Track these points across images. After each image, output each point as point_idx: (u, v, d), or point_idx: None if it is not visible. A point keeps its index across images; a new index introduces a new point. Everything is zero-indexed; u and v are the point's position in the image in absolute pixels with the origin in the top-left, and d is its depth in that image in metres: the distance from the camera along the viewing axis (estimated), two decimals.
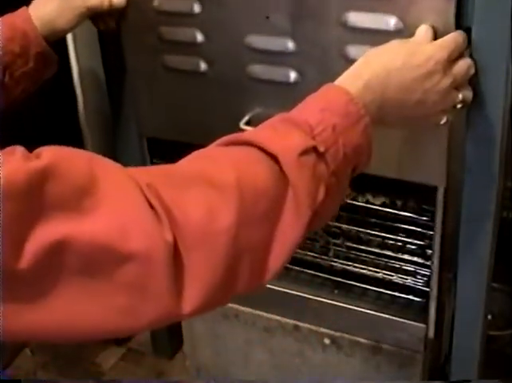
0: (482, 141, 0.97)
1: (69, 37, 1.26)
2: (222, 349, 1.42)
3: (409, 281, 1.20)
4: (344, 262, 1.26)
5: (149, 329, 0.87)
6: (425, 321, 1.19)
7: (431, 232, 1.12)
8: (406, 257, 1.20)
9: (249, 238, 0.66)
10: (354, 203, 1.20)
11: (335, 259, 1.26)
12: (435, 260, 1.13)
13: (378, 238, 1.22)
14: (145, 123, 1.22)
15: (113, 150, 1.33)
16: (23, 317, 0.57)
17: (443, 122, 0.86)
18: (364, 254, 1.24)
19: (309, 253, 1.28)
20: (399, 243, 1.20)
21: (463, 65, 0.85)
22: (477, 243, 1.06)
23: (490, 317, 1.23)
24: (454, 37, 0.86)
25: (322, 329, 1.29)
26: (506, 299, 1.47)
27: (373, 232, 1.21)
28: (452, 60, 0.84)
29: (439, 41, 0.85)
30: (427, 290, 1.17)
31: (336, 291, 1.27)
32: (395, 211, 1.17)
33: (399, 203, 1.18)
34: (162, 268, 0.61)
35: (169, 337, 1.58)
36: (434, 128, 0.96)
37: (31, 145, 0.60)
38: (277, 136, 0.72)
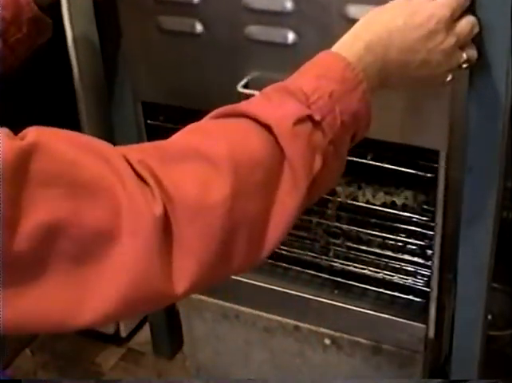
0: (483, 141, 0.97)
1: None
2: (222, 349, 1.42)
3: (409, 281, 1.20)
4: (345, 262, 1.26)
5: (143, 313, 0.82)
6: (425, 321, 1.19)
7: (432, 232, 1.12)
8: (406, 257, 1.20)
9: (245, 210, 0.65)
10: (354, 203, 1.20)
11: (335, 259, 1.26)
12: (436, 260, 1.13)
13: (378, 239, 1.22)
14: (140, 87, 1.20)
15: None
16: (19, 302, 0.56)
17: (448, 79, 0.83)
18: (364, 255, 1.24)
19: (309, 253, 1.28)
20: (400, 243, 1.20)
21: (467, 23, 0.82)
22: (477, 244, 1.06)
23: (490, 317, 1.23)
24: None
25: (322, 330, 1.29)
26: (506, 299, 1.47)
27: (373, 232, 1.22)
28: (455, 18, 0.81)
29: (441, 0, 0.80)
30: (428, 290, 1.17)
31: (336, 291, 1.27)
32: (396, 212, 1.17)
33: (398, 202, 1.18)
34: (151, 245, 0.59)
35: (169, 338, 1.58)
36: (436, 90, 0.94)
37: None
38: (270, 105, 0.70)
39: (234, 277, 1.33)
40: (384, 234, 1.21)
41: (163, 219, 0.59)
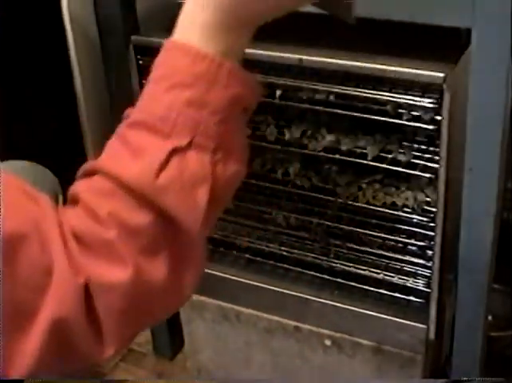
0: (483, 141, 0.97)
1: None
2: (222, 349, 1.42)
3: (410, 282, 1.20)
4: (345, 263, 1.26)
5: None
6: (426, 322, 1.19)
7: (432, 233, 1.12)
8: (406, 258, 1.20)
9: (149, 283, 0.62)
10: (354, 203, 1.20)
11: (336, 260, 1.26)
12: (436, 261, 1.13)
13: (379, 240, 1.22)
14: None
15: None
16: None
17: None
18: (364, 255, 1.24)
19: (310, 254, 1.28)
20: (400, 244, 1.20)
21: None
22: (477, 244, 1.06)
23: (490, 318, 1.22)
24: None
25: (323, 330, 1.29)
26: (507, 300, 1.47)
27: (374, 233, 1.21)
28: None
29: None
30: (428, 290, 1.17)
31: (336, 292, 1.27)
32: (396, 212, 1.17)
33: (399, 202, 1.17)
34: (75, 310, 0.59)
35: (170, 338, 1.58)
36: None
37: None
38: (128, 157, 0.61)
39: (233, 278, 1.34)
40: (385, 235, 1.21)
41: (83, 291, 0.59)
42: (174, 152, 0.60)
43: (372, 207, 1.19)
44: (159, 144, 0.60)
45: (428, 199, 1.15)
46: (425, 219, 1.14)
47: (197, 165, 0.61)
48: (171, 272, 0.62)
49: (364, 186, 1.21)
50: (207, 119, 0.61)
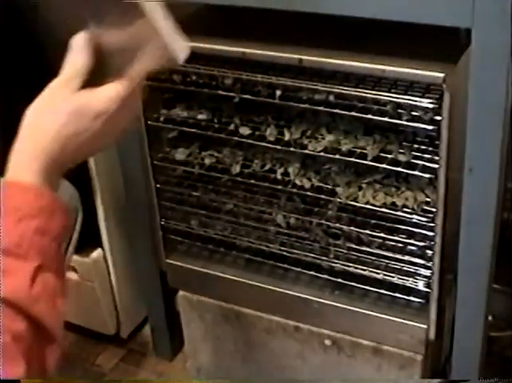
0: (483, 141, 0.97)
1: None
2: (222, 350, 1.42)
3: (410, 282, 1.20)
4: (345, 263, 1.25)
5: None
6: (426, 322, 1.19)
7: (432, 233, 1.12)
8: (406, 258, 1.20)
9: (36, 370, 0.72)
10: (354, 203, 1.20)
11: (335, 260, 1.26)
12: (436, 261, 1.13)
13: (378, 240, 1.22)
14: None
15: None
16: None
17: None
18: (364, 256, 1.24)
19: (310, 254, 1.28)
20: (400, 244, 1.20)
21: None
22: (477, 244, 1.06)
23: (490, 318, 1.22)
24: (118, 90, 0.77)
25: (323, 331, 1.29)
26: (507, 300, 1.47)
27: (374, 233, 1.21)
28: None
29: (108, 93, 0.76)
30: (428, 291, 1.17)
31: (336, 292, 1.27)
32: (396, 212, 1.17)
33: (399, 203, 1.17)
34: None
35: (170, 339, 1.58)
36: None
37: None
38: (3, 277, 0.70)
39: (233, 278, 1.34)
40: (385, 235, 1.21)
41: None
42: (37, 269, 0.72)
43: (372, 207, 1.19)
44: (23, 265, 0.72)
45: (428, 199, 1.15)
46: (425, 219, 1.14)
47: (52, 281, 0.74)
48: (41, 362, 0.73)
49: (364, 186, 1.21)
50: (50, 244, 0.75)
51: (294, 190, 1.23)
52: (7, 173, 0.76)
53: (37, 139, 0.77)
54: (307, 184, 1.24)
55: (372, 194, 1.20)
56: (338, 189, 1.22)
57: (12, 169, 0.76)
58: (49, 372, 0.75)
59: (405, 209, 1.17)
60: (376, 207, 1.19)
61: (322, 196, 1.22)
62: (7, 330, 0.69)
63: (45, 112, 0.78)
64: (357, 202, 1.20)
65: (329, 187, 1.23)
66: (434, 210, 1.11)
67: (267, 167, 1.28)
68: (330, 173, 1.25)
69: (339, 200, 1.21)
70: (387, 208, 1.18)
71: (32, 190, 0.74)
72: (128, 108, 0.79)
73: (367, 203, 1.19)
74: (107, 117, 0.77)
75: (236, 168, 1.29)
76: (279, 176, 1.25)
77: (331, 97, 1.12)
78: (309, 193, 1.23)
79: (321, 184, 1.23)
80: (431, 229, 1.12)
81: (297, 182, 1.24)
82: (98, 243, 1.51)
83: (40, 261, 0.73)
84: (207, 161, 1.32)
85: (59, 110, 0.77)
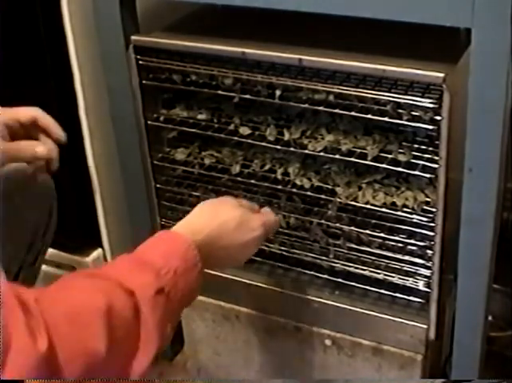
0: (483, 141, 0.97)
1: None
2: (222, 350, 1.42)
3: (410, 282, 1.20)
4: (345, 263, 1.26)
5: None
6: (426, 322, 1.19)
7: (432, 233, 1.12)
8: (406, 258, 1.20)
9: (111, 362, 0.76)
10: (354, 203, 1.20)
11: (336, 260, 1.26)
12: (436, 261, 1.13)
13: (378, 239, 1.22)
14: None
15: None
16: None
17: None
18: (364, 255, 1.24)
19: (310, 254, 1.28)
20: (400, 244, 1.20)
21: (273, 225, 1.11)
22: (477, 244, 1.06)
23: (490, 318, 1.23)
24: (274, 221, 1.10)
25: (323, 330, 1.29)
26: (507, 300, 1.47)
27: (374, 233, 1.21)
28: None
29: (264, 220, 1.06)
30: (428, 290, 1.17)
31: (336, 292, 1.27)
32: (396, 212, 1.17)
33: (399, 202, 1.17)
34: (36, 376, 0.67)
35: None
36: None
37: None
38: (131, 273, 0.83)
39: (233, 278, 1.34)
40: (385, 235, 1.21)
41: (46, 355, 0.68)
42: (162, 289, 0.84)
43: (372, 207, 1.19)
44: (156, 277, 0.84)
45: (428, 199, 1.15)
46: (425, 219, 1.14)
47: (170, 310, 0.85)
48: (122, 366, 0.80)
49: (363, 186, 1.21)
50: (178, 289, 0.86)
51: (294, 190, 1.23)
52: (175, 227, 0.96)
53: (208, 220, 0.98)
54: (307, 184, 1.24)
55: (371, 194, 1.20)
56: (338, 189, 1.22)
57: (183, 224, 0.97)
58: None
59: (405, 209, 1.17)
60: (376, 206, 1.19)
61: (322, 196, 1.22)
62: (122, 308, 0.78)
63: (220, 205, 1.03)
64: (357, 202, 1.20)
65: (329, 187, 1.23)
66: (434, 210, 1.11)
67: (267, 167, 1.28)
68: (330, 173, 1.25)
69: (339, 200, 1.21)
70: (387, 208, 1.18)
71: (188, 242, 0.90)
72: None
73: (367, 203, 1.19)
74: (257, 238, 1.03)
75: (236, 168, 1.29)
76: (279, 176, 1.25)
77: (331, 97, 1.12)
78: (309, 193, 1.23)
79: (321, 184, 1.23)
80: (431, 229, 1.12)
81: (297, 182, 1.24)
82: (98, 243, 1.51)
83: (168, 289, 0.84)
84: (207, 161, 1.32)
85: (230, 213, 1.01)
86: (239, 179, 1.28)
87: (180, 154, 1.33)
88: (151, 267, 0.84)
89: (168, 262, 0.86)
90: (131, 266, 0.84)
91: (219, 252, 0.98)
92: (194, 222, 0.98)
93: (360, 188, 1.22)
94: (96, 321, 0.75)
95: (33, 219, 1.11)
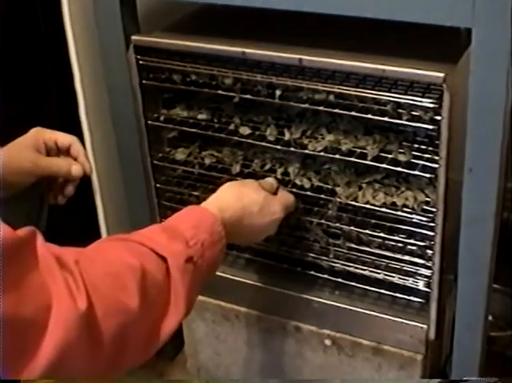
0: (483, 141, 0.97)
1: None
2: (222, 350, 1.42)
3: (410, 282, 1.20)
4: (345, 263, 1.26)
5: None
6: (426, 322, 1.19)
7: (432, 233, 1.12)
8: (406, 258, 1.20)
9: (145, 317, 0.81)
10: (354, 203, 1.20)
11: (336, 260, 1.26)
12: (436, 261, 1.13)
13: (378, 239, 1.22)
14: None
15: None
16: None
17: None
18: (364, 255, 1.24)
19: (310, 254, 1.28)
20: (400, 244, 1.20)
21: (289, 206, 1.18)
22: (477, 244, 1.06)
23: (490, 318, 1.23)
24: (292, 202, 1.18)
25: (323, 330, 1.29)
26: (507, 300, 1.47)
27: (374, 233, 1.21)
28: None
29: (283, 202, 1.15)
30: (428, 290, 1.17)
31: (337, 292, 1.27)
32: (396, 212, 1.17)
33: (399, 202, 1.17)
34: (72, 336, 0.71)
35: (170, 338, 1.58)
36: None
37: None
38: (163, 241, 0.88)
39: (233, 278, 1.34)
40: (385, 235, 1.21)
41: (86, 313, 0.72)
42: (191, 258, 0.89)
43: (372, 206, 1.19)
44: (186, 247, 0.90)
45: (428, 199, 1.15)
46: (425, 218, 1.14)
47: (197, 278, 0.90)
48: (153, 323, 0.85)
49: (363, 186, 1.21)
50: (204, 259, 0.92)
51: (294, 190, 1.23)
52: (204, 203, 1.04)
53: (234, 200, 1.06)
54: (307, 184, 1.24)
55: (371, 193, 1.20)
56: (338, 189, 1.22)
57: (211, 202, 1.04)
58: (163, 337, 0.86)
59: (405, 209, 1.17)
60: (376, 206, 1.19)
61: (322, 196, 1.22)
62: (155, 271, 0.84)
63: (244, 188, 1.10)
64: (357, 202, 1.20)
65: (329, 186, 1.23)
66: (434, 210, 1.11)
67: (267, 167, 1.28)
68: (330, 173, 1.25)
69: (339, 200, 1.21)
70: (387, 208, 1.18)
71: (214, 217, 0.97)
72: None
73: (367, 202, 1.19)
74: (277, 219, 1.12)
75: (236, 168, 1.29)
76: (279, 176, 1.25)
77: (331, 97, 1.12)
78: (309, 193, 1.23)
79: (321, 184, 1.23)
80: (431, 229, 1.12)
81: (297, 182, 1.24)
82: None
83: (196, 258, 0.90)
84: (207, 161, 1.32)
85: (254, 195, 1.10)
86: (239, 178, 1.27)
87: (180, 154, 1.33)
88: (181, 237, 0.90)
89: (197, 234, 0.92)
90: (164, 235, 0.89)
91: (242, 230, 1.06)
92: (222, 199, 1.05)
93: (360, 188, 1.22)
94: (130, 281, 0.79)
95: (24, 208, 1.12)
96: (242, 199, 1.07)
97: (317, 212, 1.26)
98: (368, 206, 1.19)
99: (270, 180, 1.18)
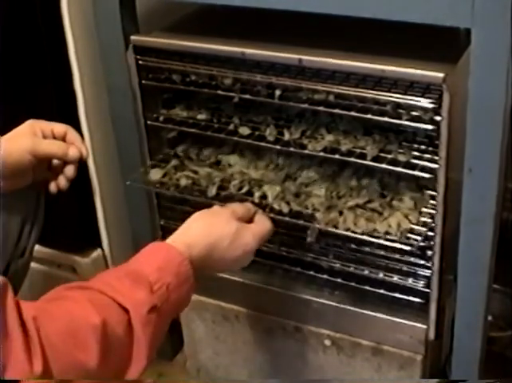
0: (482, 141, 0.97)
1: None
2: (222, 350, 1.42)
3: (409, 282, 1.20)
4: (345, 263, 1.25)
5: None
6: (426, 322, 1.19)
7: (432, 233, 1.11)
8: (406, 258, 1.20)
9: (101, 374, 0.80)
10: (334, 230, 1.19)
11: (335, 260, 1.26)
12: (436, 261, 1.13)
13: (378, 240, 1.22)
14: None
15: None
16: None
17: None
18: (364, 255, 1.24)
19: (310, 254, 1.28)
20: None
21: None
22: (477, 245, 1.06)
23: (490, 318, 1.23)
24: (267, 231, 1.12)
25: (323, 331, 1.29)
26: (507, 300, 1.47)
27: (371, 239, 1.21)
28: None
29: (257, 232, 1.09)
30: (428, 291, 1.17)
31: (336, 292, 1.27)
32: (378, 241, 1.16)
33: (381, 229, 1.16)
34: None
35: (169, 339, 1.58)
36: None
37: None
38: (125, 289, 0.87)
39: (233, 278, 1.34)
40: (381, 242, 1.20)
41: (42, 374, 0.73)
42: (155, 306, 0.88)
43: (352, 234, 1.18)
44: (149, 294, 0.88)
45: (413, 225, 1.15)
46: (425, 218, 1.14)
47: (160, 325, 0.90)
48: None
49: (344, 211, 1.20)
50: (170, 303, 0.91)
51: (272, 215, 1.17)
52: (171, 238, 1.00)
53: (202, 235, 1.02)
54: (285, 208, 1.19)
55: (352, 220, 1.19)
56: (318, 214, 1.18)
57: (175, 238, 1.00)
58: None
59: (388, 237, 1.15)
60: (357, 233, 1.17)
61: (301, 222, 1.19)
62: (116, 325, 0.83)
63: (217, 227, 1.05)
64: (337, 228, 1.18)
65: (309, 211, 1.19)
66: (419, 238, 1.11)
67: (244, 189, 1.24)
68: (310, 196, 1.22)
69: (318, 226, 1.19)
70: (368, 235, 1.17)
71: (181, 256, 0.94)
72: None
73: (347, 229, 1.17)
74: (250, 251, 1.08)
75: (212, 191, 1.24)
76: (256, 200, 1.21)
77: (331, 97, 1.12)
78: (287, 218, 1.19)
79: (300, 209, 1.20)
80: (431, 229, 1.12)
81: (275, 206, 1.19)
82: (98, 243, 1.51)
83: (160, 304, 0.88)
84: (183, 182, 1.29)
85: (225, 229, 1.05)
86: (216, 202, 1.19)
87: (155, 174, 1.31)
88: (145, 282, 0.89)
89: (162, 278, 0.90)
90: (127, 280, 0.88)
91: (212, 264, 1.03)
92: (190, 235, 1.02)
93: (341, 213, 1.20)
94: (90, 338, 0.79)
95: (20, 210, 1.13)
96: (211, 234, 1.03)
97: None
98: (348, 233, 1.16)
99: (247, 205, 1.15)
